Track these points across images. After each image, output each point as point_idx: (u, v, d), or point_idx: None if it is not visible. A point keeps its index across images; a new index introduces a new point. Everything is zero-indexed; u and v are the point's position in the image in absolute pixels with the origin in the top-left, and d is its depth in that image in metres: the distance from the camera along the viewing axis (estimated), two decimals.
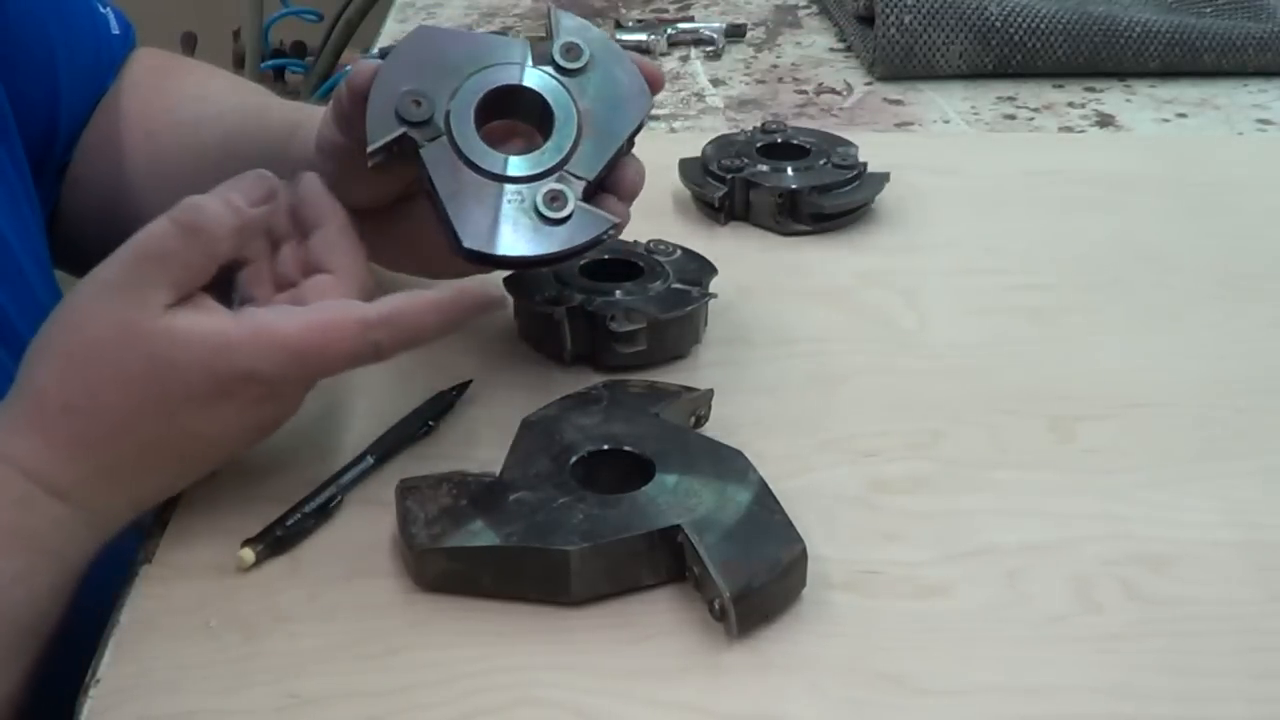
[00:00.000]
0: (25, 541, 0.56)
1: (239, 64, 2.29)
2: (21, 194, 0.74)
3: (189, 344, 0.56)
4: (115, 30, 0.85)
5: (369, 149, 0.61)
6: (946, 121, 1.01)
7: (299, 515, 0.58)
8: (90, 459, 0.56)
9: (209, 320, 0.56)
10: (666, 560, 0.55)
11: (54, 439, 0.56)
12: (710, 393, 0.65)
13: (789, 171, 0.84)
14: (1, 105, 0.73)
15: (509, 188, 0.61)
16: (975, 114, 1.02)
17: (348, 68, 1.22)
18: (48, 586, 0.56)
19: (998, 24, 1.06)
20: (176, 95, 0.83)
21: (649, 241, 0.74)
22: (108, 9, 0.84)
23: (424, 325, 0.59)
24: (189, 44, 2.43)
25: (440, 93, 0.62)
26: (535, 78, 0.64)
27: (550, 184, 0.61)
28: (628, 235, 0.75)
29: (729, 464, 0.59)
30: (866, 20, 1.10)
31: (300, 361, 0.57)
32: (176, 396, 0.56)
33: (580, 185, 0.62)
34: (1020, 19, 1.06)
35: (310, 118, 0.73)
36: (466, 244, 0.60)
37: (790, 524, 0.56)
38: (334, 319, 0.57)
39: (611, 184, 0.64)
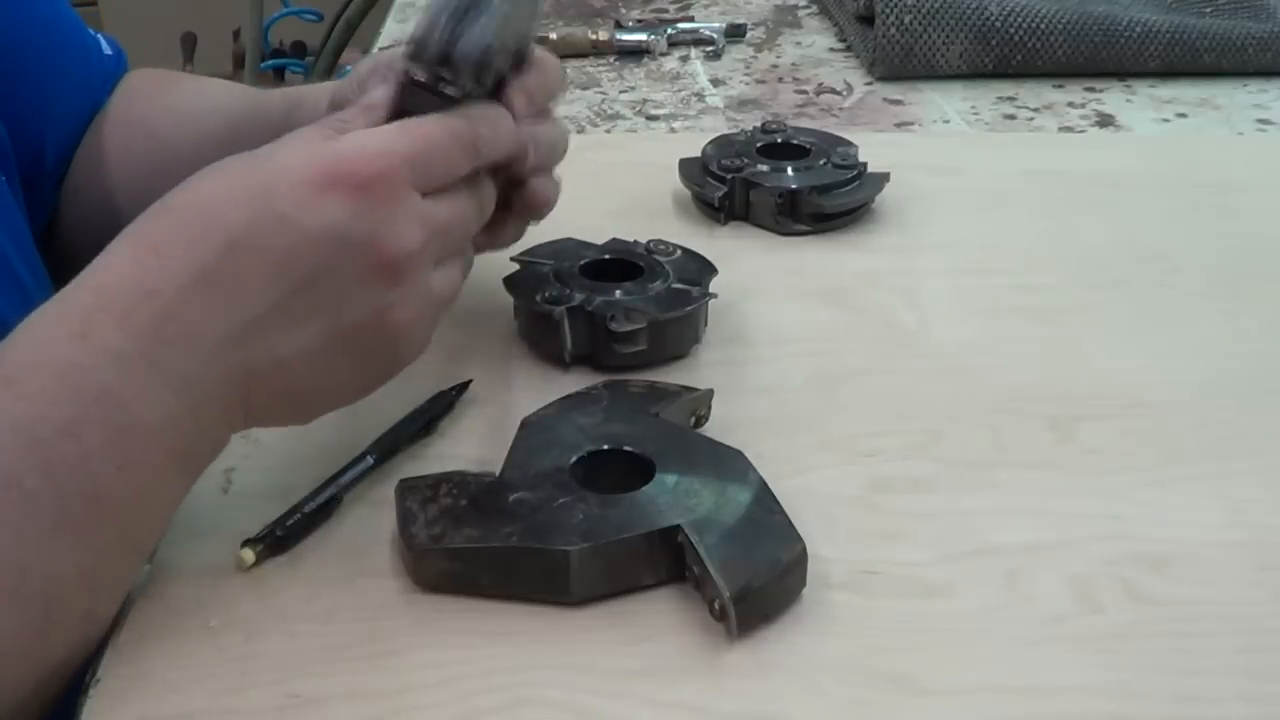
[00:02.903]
0: (75, 383, 0.50)
1: (239, 64, 2.29)
2: (15, 209, 0.74)
3: (291, 142, 0.54)
4: (107, 51, 0.85)
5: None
6: (946, 121, 1.01)
7: (299, 515, 0.58)
8: (161, 265, 0.51)
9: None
10: (666, 560, 0.55)
11: (128, 254, 0.52)
12: (710, 393, 0.65)
13: (789, 171, 0.84)
14: None
15: None
16: (975, 114, 1.02)
17: (348, 68, 1.22)
18: (104, 447, 0.50)
19: (998, 24, 1.06)
20: (176, 95, 0.84)
21: (649, 241, 0.74)
22: (97, 35, 0.85)
23: (508, 127, 0.59)
24: (189, 44, 2.43)
25: None
26: None
27: None
28: (628, 235, 0.75)
29: (729, 464, 0.59)
30: (866, 20, 1.10)
31: (407, 155, 0.54)
32: (275, 183, 0.52)
33: None
34: (1020, 19, 1.06)
35: (308, 95, 0.74)
36: None
37: (790, 524, 0.56)
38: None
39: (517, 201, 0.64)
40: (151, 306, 0.51)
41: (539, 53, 0.64)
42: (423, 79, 0.58)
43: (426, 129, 0.56)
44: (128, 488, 0.51)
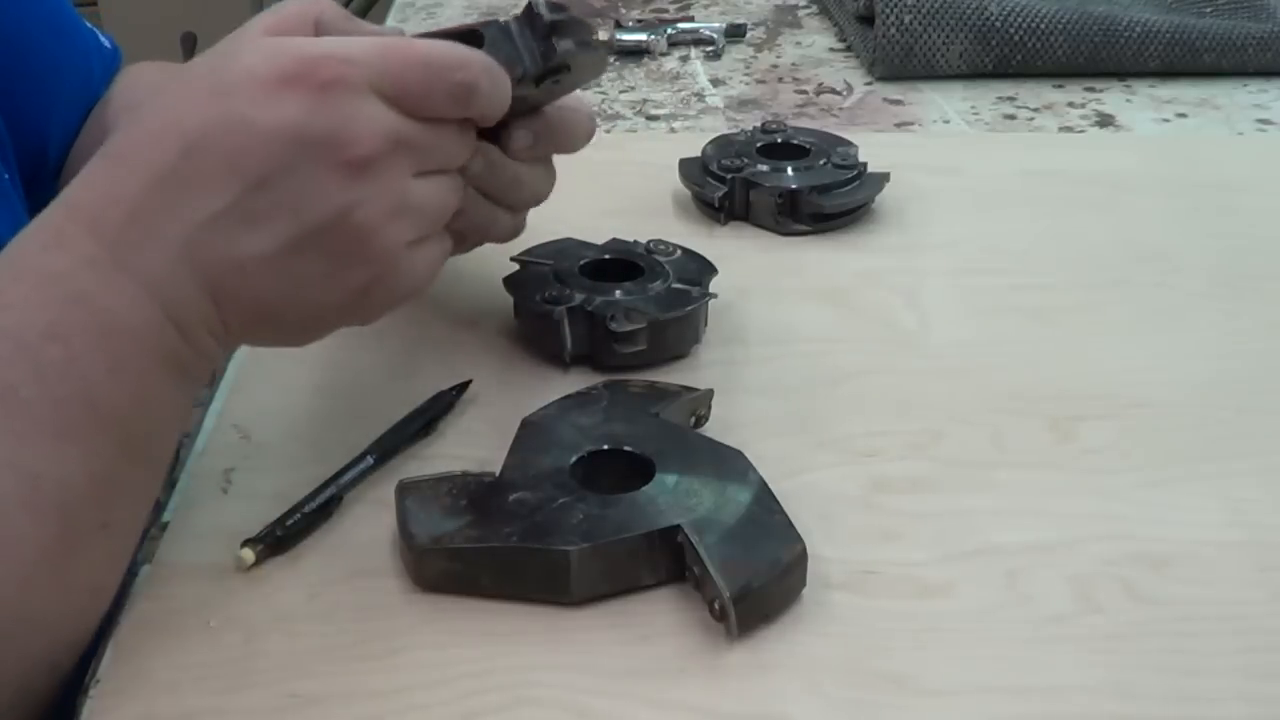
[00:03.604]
0: (54, 290, 0.51)
1: None
2: (18, 205, 0.74)
3: (260, 40, 0.53)
4: (105, 44, 0.85)
5: None
6: (946, 121, 1.01)
7: (299, 515, 0.58)
8: (124, 172, 0.51)
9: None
10: (666, 560, 0.55)
11: (98, 165, 0.52)
12: (710, 393, 0.65)
13: (789, 171, 0.84)
14: None
15: None
16: (975, 114, 1.02)
17: None
18: (91, 349, 0.51)
19: (998, 24, 1.06)
20: None
21: (649, 241, 0.74)
22: (94, 29, 0.85)
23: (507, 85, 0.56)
24: (189, 44, 2.43)
25: None
26: None
27: None
28: (628, 235, 0.75)
29: (729, 464, 0.59)
30: (866, 20, 1.10)
31: (381, 70, 0.52)
32: (232, 82, 0.51)
33: None
34: (1020, 19, 1.06)
35: None
36: None
37: (790, 524, 0.56)
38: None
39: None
40: (117, 211, 0.51)
41: (578, 106, 0.64)
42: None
43: (414, 49, 0.54)
44: (122, 391, 0.51)
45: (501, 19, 0.59)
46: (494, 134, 0.61)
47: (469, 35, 0.58)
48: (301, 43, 0.53)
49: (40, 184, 0.80)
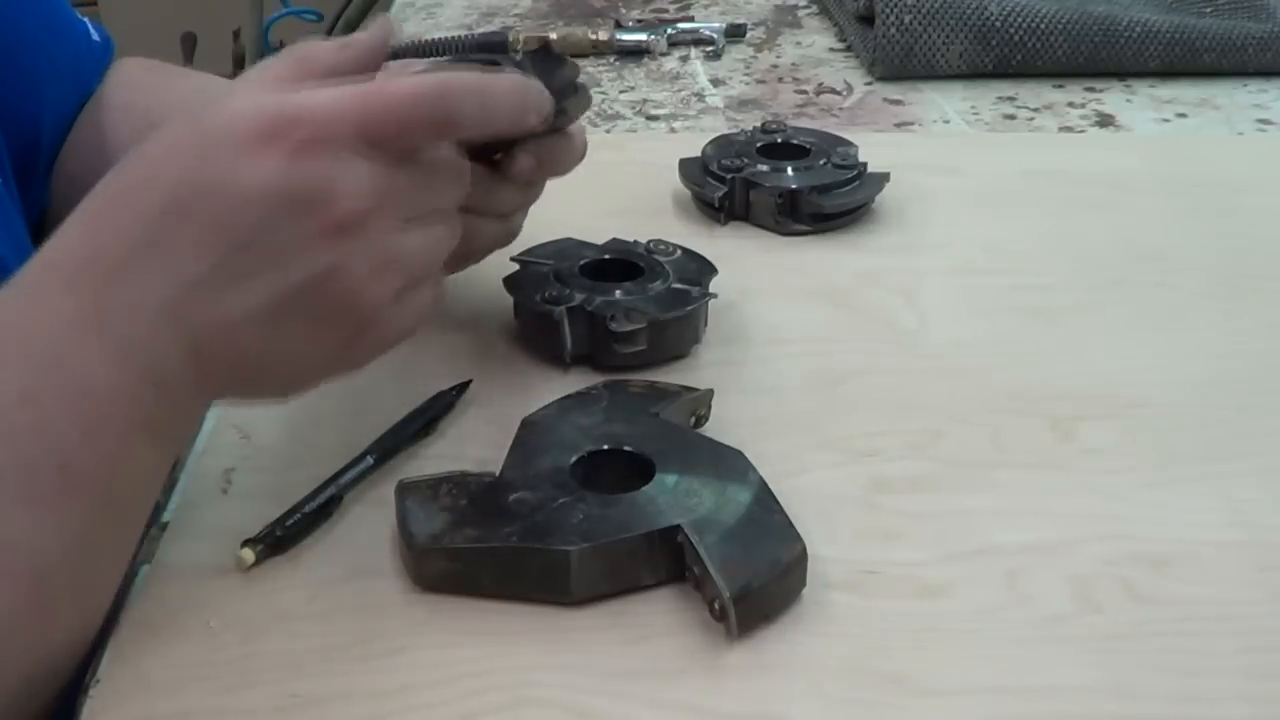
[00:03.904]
0: (28, 350, 0.50)
1: (239, 64, 2.29)
2: (12, 209, 0.73)
3: (243, 90, 0.52)
4: (95, 37, 0.85)
5: None
6: (946, 121, 1.01)
7: (299, 515, 0.58)
8: (104, 230, 0.50)
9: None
10: (666, 560, 0.55)
11: (77, 222, 0.51)
12: (710, 393, 0.65)
13: (789, 171, 0.84)
14: None
15: None
16: (975, 114, 1.02)
17: None
18: (64, 412, 0.50)
19: (998, 24, 1.06)
20: (178, 88, 0.84)
21: (649, 241, 0.74)
22: (84, 19, 0.85)
23: (507, 106, 0.55)
24: (189, 44, 2.43)
25: None
26: None
27: None
28: (628, 235, 0.75)
29: (729, 464, 0.59)
30: (866, 20, 1.10)
31: (358, 121, 0.51)
32: (211, 141, 0.50)
33: None
34: (1020, 19, 1.06)
35: None
36: None
37: (790, 524, 0.56)
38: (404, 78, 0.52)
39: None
40: (95, 271, 0.50)
41: (573, 130, 0.65)
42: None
43: (390, 92, 0.52)
44: (95, 454, 0.51)
45: (516, 55, 0.61)
46: (490, 157, 0.61)
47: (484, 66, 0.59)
48: (281, 99, 0.51)
49: (32, 178, 0.80)
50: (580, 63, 1.10)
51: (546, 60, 0.61)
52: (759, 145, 0.86)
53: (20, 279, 0.52)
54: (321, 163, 0.50)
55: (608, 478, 0.58)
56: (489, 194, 0.63)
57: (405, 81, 0.53)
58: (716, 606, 0.53)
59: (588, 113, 0.69)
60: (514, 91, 0.56)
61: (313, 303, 0.52)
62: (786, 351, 0.72)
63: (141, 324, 0.50)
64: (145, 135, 0.81)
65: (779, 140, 0.87)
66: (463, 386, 0.67)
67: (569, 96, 0.62)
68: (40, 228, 0.79)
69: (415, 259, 0.54)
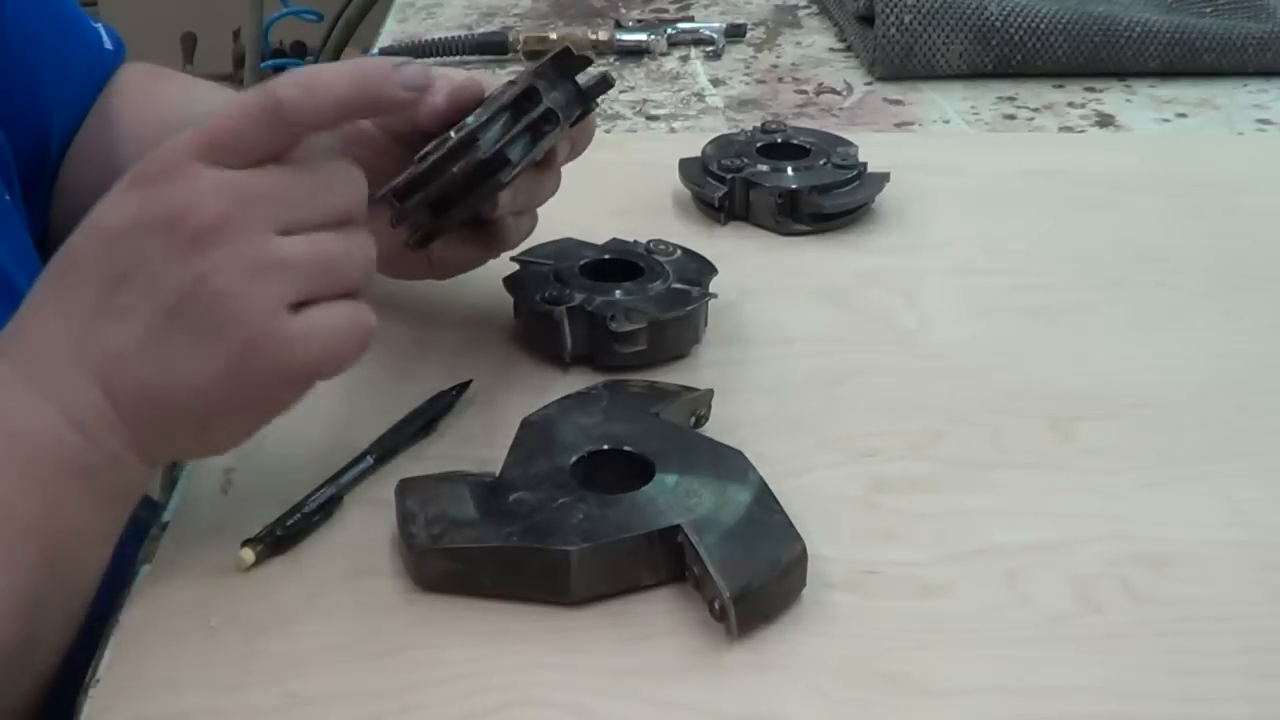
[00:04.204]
0: None
1: (239, 64, 2.28)
2: (20, 227, 0.73)
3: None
4: (108, 45, 0.85)
5: None
6: (946, 121, 1.01)
7: (299, 515, 0.58)
8: (31, 299, 0.54)
9: None
10: (666, 560, 0.55)
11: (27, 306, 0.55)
12: (710, 393, 0.65)
13: (789, 171, 0.84)
14: None
15: None
16: (975, 114, 1.02)
17: None
18: (1, 458, 0.52)
19: (998, 24, 1.06)
20: (165, 98, 0.84)
21: (649, 241, 0.74)
22: (99, 25, 0.85)
23: (337, 84, 0.54)
24: (189, 44, 2.43)
25: None
26: None
27: None
28: (628, 235, 0.75)
29: (729, 464, 0.59)
30: (866, 20, 1.10)
31: (194, 139, 0.53)
32: (98, 205, 0.54)
33: None
34: (1020, 19, 1.06)
35: None
36: None
37: (790, 524, 0.56)
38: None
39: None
40: (14, 332, 0.55)
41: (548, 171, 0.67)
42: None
43: (223, 112, 0.54)
44: (34, 499, 0.52)
45: (536, 67, 0.62)
46: (492, 190, 0.62)
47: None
48: (155, 151, 0.54)
49: (39, 185, 0.80)
50: None
51: (569, 63, 0.63)
52: (759, 145, 0.86)
53: None
54: (173, 184, 0.52)
55: (608, 478, 0.58)
56: (536, 187, 0.66)
57: (250, 91, 0.55)
58: (716, 606, 0.53)
59: None
60: (344, 74, 0.55)
61: (191, 316, 0.52)
62: (786, 351, 0.72)
63: (54, 369, 0.53)
64: (127, 148, 0.81)
65: (779, 140, 0.87)
66: (463, 386, 0.67)
67: (598, 94, 0.64)
68: (44, 240, 0.80)
69: (298, 267, 0.53)
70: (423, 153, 0.61)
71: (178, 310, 0.52)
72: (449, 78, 0.62)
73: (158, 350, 0.52)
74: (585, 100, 0.64)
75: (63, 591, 0.54)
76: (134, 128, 0.81)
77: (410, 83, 0.56)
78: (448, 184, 0.61)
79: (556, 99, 0.63)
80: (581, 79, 0.64)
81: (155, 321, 0.52)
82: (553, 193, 0.69)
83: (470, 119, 0.61)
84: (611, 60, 1.12)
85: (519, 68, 1.08)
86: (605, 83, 0.65)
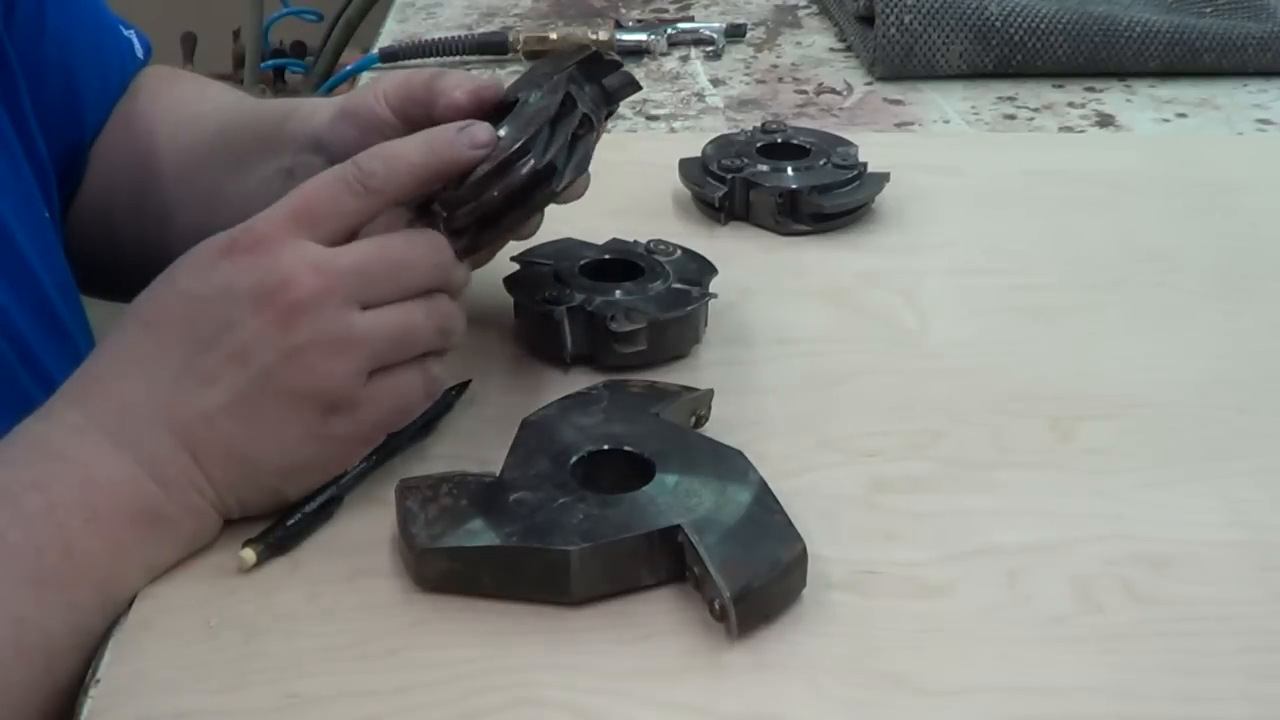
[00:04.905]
0: (39, 449, 0.56)
1: (239, 64, 2.28)
2: (40, 201, 0.74)
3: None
4: (139, 54, 0.86)
5: None
6: (946, 121, 1.01)
7: (299, 515, 0.58)
8: (101, 356, 0.58)
9: None
10: (666, 560, 0.55)
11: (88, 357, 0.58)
12: (710, 393, 0.65)
13: (789, 171, 0.84)
14: (25, 113, 0.73)
15: None
16: (975, 114, 1.02)
17: (349, 67, 1.22)
18: (70, 499, 0.54)
19: (998, 24, 1.06)
20: (176, 98, 0.84)
21: (649, 241, 0.74)
22: (130, 31, 0.86)
23: (409, 153, 0.59)
24: (189, 44, 2.43)
25: None
26: None
27: None
28: (628, 235, 0.75)
29: (729, 464, 0.59)
30: (866, 20, 1.10)
31: (289, 212, 0.57)
32: (180, 264, 0.57)
33: None
34: (1020, 19, 1.06)
35: (301, 107, 0.74)
36: None
37: (790, 524, 0.56)
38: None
39: None
40: (94, 387, 0.58)
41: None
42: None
43: (312, 185, 0.58)
44: (97, 540, 0.54)
45: (568, 66, 0.64)
46: (545, 200, 0.63)
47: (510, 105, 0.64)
48: (246, 222, 0.57)
49: (64, 188, 0.80)
50: None
51: (598, 66, 0.65)
52: (759, 145, 0.86)
53: (43, 406, 0.58)
54: (267, 257, 0.56)
55: (608, 478, 0.58)
56: (573, 190, 0.67)
57: (324, 173, 0.59)
58: (716, 606, 0.53)
59: None
60: (416, 144, 0.60)
61: (277, 384, 0.56)
62: (786, 351, 0.72)
63: (137, 423, 0.56)
64: (144, 145, 0.81)
65: (779, 140, 0.87)
66: (463, 386, 0.67)
67: (625, 95, 0.66)
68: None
69: (376, 340, 0.57)
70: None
71: (266, 378, 0.56)
72: (471, 77, 0.65)
73: (244, 414, 0.56)
74: (611, 102, 0.65)
75: (109, 621, 0.55)
76: (149, 125, 0.82)
77: (477, 142, 0.60)
78: (503, 196, 0.61)
79: (588, 103, 0.63)
80: (606, 80, 0.65)
81: (243, 387, 0.56)
82: (584, 191, 0.69)
83: (504, 130, 0.62)
84: None
85: (519, 68, 1.08)
86: (632, 84, 0.66)
